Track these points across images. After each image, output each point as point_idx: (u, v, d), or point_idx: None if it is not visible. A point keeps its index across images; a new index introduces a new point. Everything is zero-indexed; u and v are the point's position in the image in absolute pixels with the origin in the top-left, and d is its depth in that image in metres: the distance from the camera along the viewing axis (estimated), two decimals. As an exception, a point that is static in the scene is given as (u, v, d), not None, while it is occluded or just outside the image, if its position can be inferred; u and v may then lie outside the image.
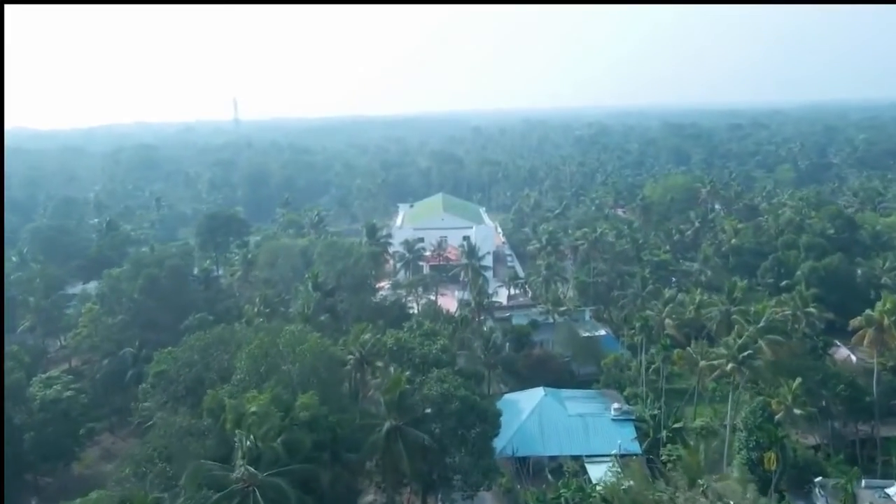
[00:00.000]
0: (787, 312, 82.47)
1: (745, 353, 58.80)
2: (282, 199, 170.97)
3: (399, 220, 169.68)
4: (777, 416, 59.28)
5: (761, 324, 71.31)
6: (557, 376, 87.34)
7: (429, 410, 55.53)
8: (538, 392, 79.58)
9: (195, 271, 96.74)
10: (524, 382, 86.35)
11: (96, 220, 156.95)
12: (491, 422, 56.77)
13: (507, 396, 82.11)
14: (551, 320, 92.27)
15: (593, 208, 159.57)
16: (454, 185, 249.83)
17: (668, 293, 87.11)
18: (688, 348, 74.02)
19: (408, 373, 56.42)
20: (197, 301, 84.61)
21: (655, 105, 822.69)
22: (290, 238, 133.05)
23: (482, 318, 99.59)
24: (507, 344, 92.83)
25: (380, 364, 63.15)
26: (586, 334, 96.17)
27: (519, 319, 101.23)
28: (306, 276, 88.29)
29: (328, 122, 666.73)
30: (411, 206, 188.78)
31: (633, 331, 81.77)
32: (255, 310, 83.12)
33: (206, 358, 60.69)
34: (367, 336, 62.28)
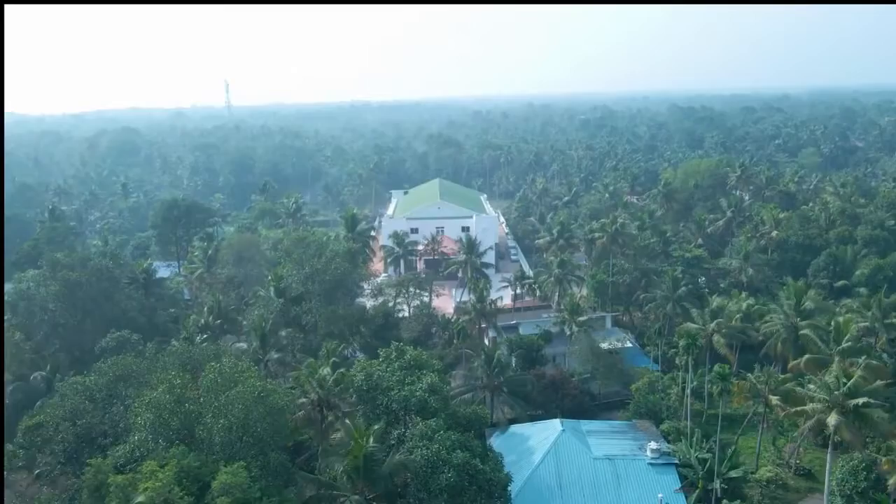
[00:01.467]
0: (863, 324, 66.31)
1: (860, 401, 42.06)
2: (260, 185, 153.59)
3: (391, 209, 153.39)
4: (890, 482, 43.09)
5: (844, 344, 55.07)
6: (576, 401, 71.47)
7: (409, 476, 39.58)
8: (554, 426, 63.46)
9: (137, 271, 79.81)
10: (534, 406, 70.73)
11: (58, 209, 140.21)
12: (498, 494, 40.72)
13: (515, 429, 66.07)
14: (568, 332, 75.89)
15: (607, 195, 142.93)
16: (453, 170, 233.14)
17: (715, 301, 70.67)
18: (749, 375, 57.74)
19: (377, 427, 40.19)
20: (131, 310, 68.36)
21: (655, 91, 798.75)
22: (265, 229, 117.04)
23: (483, 325, 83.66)
24: (514, 359, 76.89)
25: (349, 400, 47.08)
26: (608, 346, 79.94)
27: (527, 328, 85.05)
28: (268, 278, 72.19)
29: (325, 108, 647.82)
30: (405, 192, 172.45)
31: (674, 349, 65.59)
32: (203, 321, 66.95)
33: (111, 399, 44.59)
34: (325, 370, 45.88)
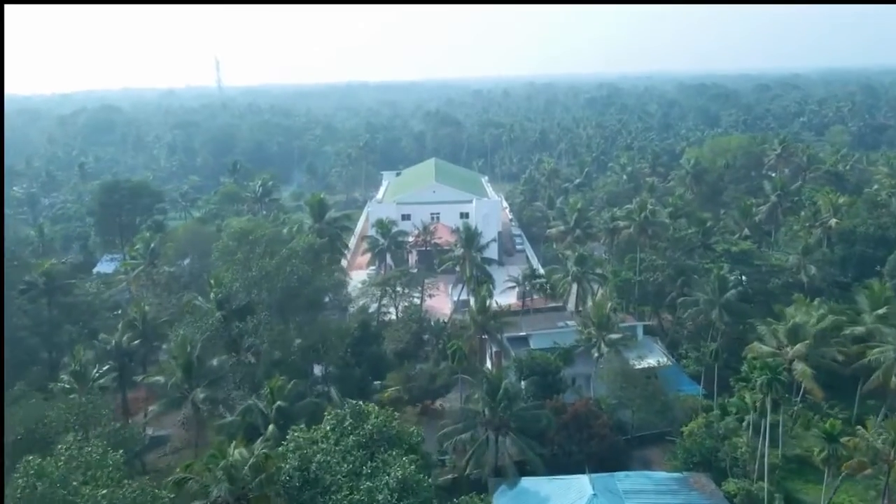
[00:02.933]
0: None
1: None
2: (230, 165, 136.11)
3: (380, 193, 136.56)
4: None
5: None
6: (605, 442, 55.25)
7: None
8: (580, 486, 47.38)
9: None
10: (550, 445, 54.71)
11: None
12: None
13: (528, 485, 49.92)
14: (596, 353, 59.19)
15: (625, 177, 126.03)
16: (452, 150, 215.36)
17: (794, 315, 53.96)
18: (860, 430, 41.21)
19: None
20: (22, 328, 51.84)
21: (656, 72, 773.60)
22: (232, 217, 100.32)
23: (484, 338, 67.12)
24: (524, 384, 60.58)
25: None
26: (642, 365, 63.47)
27: (539, 341, 68.60)
28: (210, 281, 55.64)
29: (321, 88, 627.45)
30: (398, 174, 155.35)
31: (740, 380, 49.12)
32: (113, 342, 50.43)
33: None
34: (238, 453, 29.41)
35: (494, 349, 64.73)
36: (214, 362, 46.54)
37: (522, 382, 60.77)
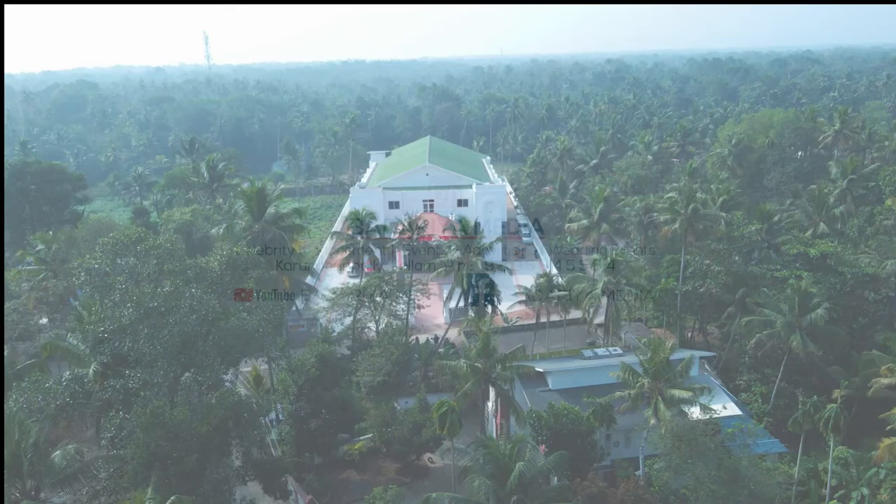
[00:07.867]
0: None
1: None
2: (186, 143, 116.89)
3: (366, 176, 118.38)
4: None
5: None
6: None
7: None
8: None
9: None
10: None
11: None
12: None
13: None
14: (651, 416, 40.81)
15: (650, 157, 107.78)
16: (450, 128, 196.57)
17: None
18: None
19: None
20: None
21: (660, 51, 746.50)
22: (178, 207, 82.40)
23: (489, 385, 48.87)
24: (542, 447, 43.03)
25: None
26: (701, 414, 45.38)
27: (562, 380, 51.06)
28: (82, 313, 37.81)
29: (317, 66, 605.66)
30: (387, 154, 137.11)
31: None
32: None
33: None
34: None
35: (500, 402, 46.90)
36: (55, 456, 28.91)
37: (540, 447, 43.43)
